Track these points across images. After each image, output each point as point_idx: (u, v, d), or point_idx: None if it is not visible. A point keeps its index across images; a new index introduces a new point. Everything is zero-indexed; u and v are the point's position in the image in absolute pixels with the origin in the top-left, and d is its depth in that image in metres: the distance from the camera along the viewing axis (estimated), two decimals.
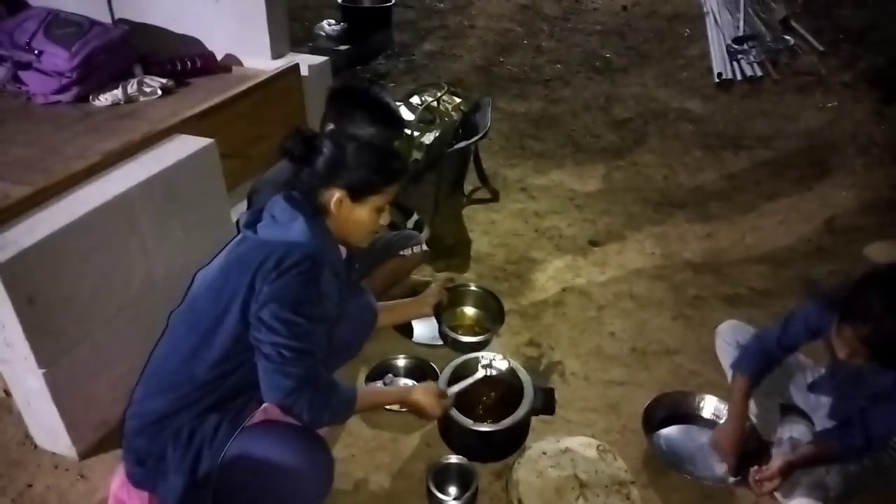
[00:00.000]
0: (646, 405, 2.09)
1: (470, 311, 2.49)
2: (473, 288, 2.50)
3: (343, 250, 1.75)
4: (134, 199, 1.89)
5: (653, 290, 2.76)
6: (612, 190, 3.57)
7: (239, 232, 1.58)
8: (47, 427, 1.85)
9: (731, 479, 1.89)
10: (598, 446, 1.84)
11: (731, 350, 2.13)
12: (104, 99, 2.40)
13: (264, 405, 1.53)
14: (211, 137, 2.18)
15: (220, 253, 1.62)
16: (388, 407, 2.05)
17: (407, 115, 3.04)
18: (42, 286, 1.66)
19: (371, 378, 2.19)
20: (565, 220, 3.24)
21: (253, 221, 1.56)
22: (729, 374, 2.10)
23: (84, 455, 1.88)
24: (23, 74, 2.39)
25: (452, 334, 2.22)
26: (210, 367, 1.48)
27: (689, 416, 2.13)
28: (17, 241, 1.63)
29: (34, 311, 1.65)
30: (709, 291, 2.77)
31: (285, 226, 1.50)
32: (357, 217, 1.58)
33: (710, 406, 2.13)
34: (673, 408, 2.14)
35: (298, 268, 1.42)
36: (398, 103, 3.11)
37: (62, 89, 2.38)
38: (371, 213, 1.59)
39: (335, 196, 1.53)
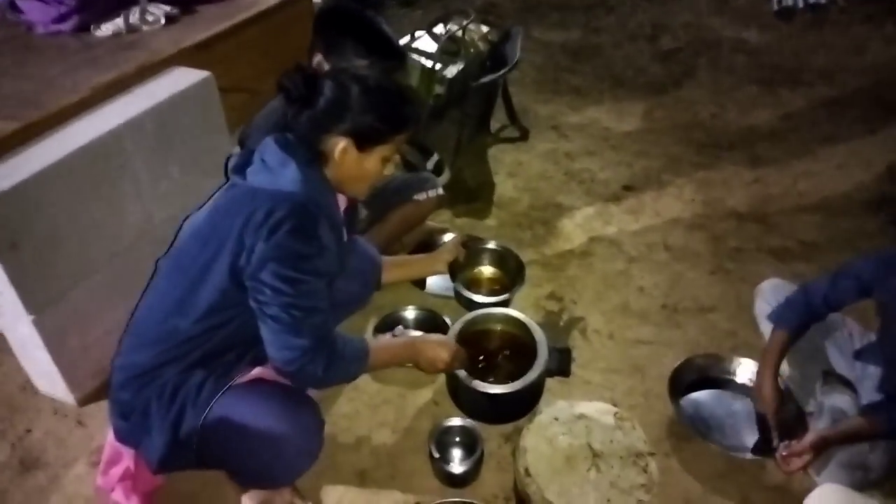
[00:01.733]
0: (674, 367, 1.94)
1: (487, 269, 2.31)
2: (492, 246, 2.31)
3: (343, 199, 1.62)
4: (123, 137, 1.77)
5: (690, 241, 2.56)
6: (653, 129, 3.31)
7: (227, 176, 1.45)
8: (44, 373, 1.81)
9: (759, 453, 1.74)
10: (615, 413, 1.70)
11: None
12: (105, 28, 2.26)
13: (257, 369, 1.44)
14: (211, 70, 2.03)
15: (209, 199, 1.50)
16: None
17: (430, 45, 2.82)
18: (25, 230, 1.57)
19: (380, 329, 2.08)
20: (599, 163, 3.02)
21: (242, 165, 1.42)
22: (767, 336, 1.92)
23: (83, 401, 1.84)
24: (20, 2, 2.26)
25: (467, 293, 2.06)
26: (195, 322, 1.38)
27: (720, 380, 1.97)
28: None
29: (17, 256, 1.56)
30: (752, 243, 2.55)
31: (276, 171, 1.36)
32: (362, 167, 1.42)
33: (746, 370, 1.95)
34: (703, 371, 1.98)
35: (291, 222, 1.29)
36: (421, 33, 2.90)
37: (61, 18, 2.25)
38: (377, 164, 1.43)
39: (340, 145, 1.37)
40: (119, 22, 2.26)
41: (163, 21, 2.30)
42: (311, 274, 1.34)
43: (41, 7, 2.25)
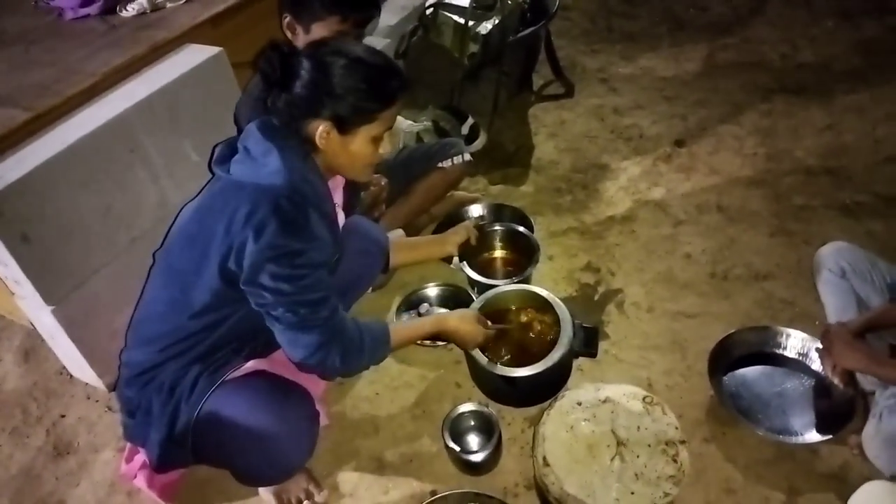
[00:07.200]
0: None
1: (501, 252, 2.14)
2: (504, 227, 2.12)
3: (341, 179, 1.54)
4: (132, 121, 1.74)
5: (748, 200, 2.33)
6: (714, 75, 3.03)
7: (211, 170, 1.40)
8: (73, 360, 1.85)
9: (818, 438, 1.57)
10: (644, 397, 1.57)
11: (835, 280, 1.73)
12: (130, 9, 2.24)
13: (251, 362, 1.41)
14: (227, 44, 1.96)
15: (204, 187, 1.46)
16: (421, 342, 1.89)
17: (464, 0, 2.66)
18: (36, 222, 1.57)
19: (405, 307, 2.02)
20: (649, 117, 2.79)
21: (227, 156, 1.37)
22: (830, 314, 1.71)
23: (112, 386, 1.87)
24: None
25: (478, 277, 1.93)
26: (190, 319, 1.36)
27: (770, 355, 1.79)
28: (2, 176, 1.54)
29: (30, 248, 1.57)
30: (821, 199, 2.30)
31: (258, 162, 1.29)
32: (349, 150, 1.34)
33: (798, 343, 1.76)
34: (752, 346, 1.80)
35: (276, 220, 1.23)
36: None
37: (87, 1, 2.25)
38: (365, 145, 1.35)
39: (320, 128, 1.29)
40: (143, 1, 2.24)
41: None
42: (308, 267, 1.28)
43: None
